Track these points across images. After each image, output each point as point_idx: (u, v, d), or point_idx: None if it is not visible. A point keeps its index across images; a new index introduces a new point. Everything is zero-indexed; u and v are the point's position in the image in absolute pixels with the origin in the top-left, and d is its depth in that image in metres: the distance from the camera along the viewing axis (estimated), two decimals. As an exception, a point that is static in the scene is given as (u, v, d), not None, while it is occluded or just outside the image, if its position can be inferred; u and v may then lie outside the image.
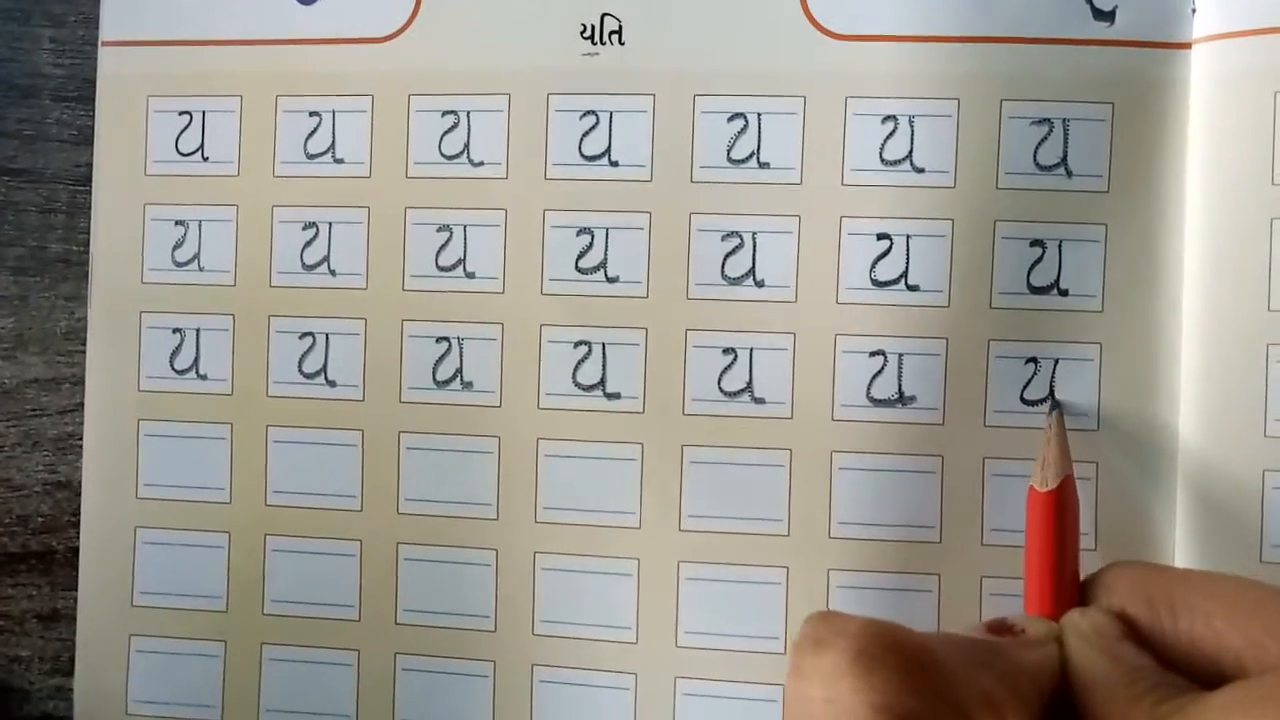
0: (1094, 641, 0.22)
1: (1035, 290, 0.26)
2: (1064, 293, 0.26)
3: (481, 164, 0.28)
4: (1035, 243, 0.26)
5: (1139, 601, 0.22)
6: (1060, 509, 0.25)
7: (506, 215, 0.28)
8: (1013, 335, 0.26)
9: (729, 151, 0.27)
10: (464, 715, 0.28)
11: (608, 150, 0.27)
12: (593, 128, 0.27)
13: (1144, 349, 0.26)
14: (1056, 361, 0.26)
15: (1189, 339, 0.26)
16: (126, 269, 0.29)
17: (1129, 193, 0.26)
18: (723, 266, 0.27)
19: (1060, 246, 0.26)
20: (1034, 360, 0.26)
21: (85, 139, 0.30)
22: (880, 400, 0.27)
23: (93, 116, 0.30)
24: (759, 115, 0.27)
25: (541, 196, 0.28)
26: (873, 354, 0.27)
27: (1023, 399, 0.26)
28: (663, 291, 0.27)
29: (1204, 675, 0.21)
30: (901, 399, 0.26)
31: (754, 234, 0.27)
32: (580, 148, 0.27)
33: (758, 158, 0.27)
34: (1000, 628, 0.22)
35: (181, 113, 0.29)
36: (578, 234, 0.27)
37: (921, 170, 0.26)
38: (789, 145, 0.27)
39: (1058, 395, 0.26)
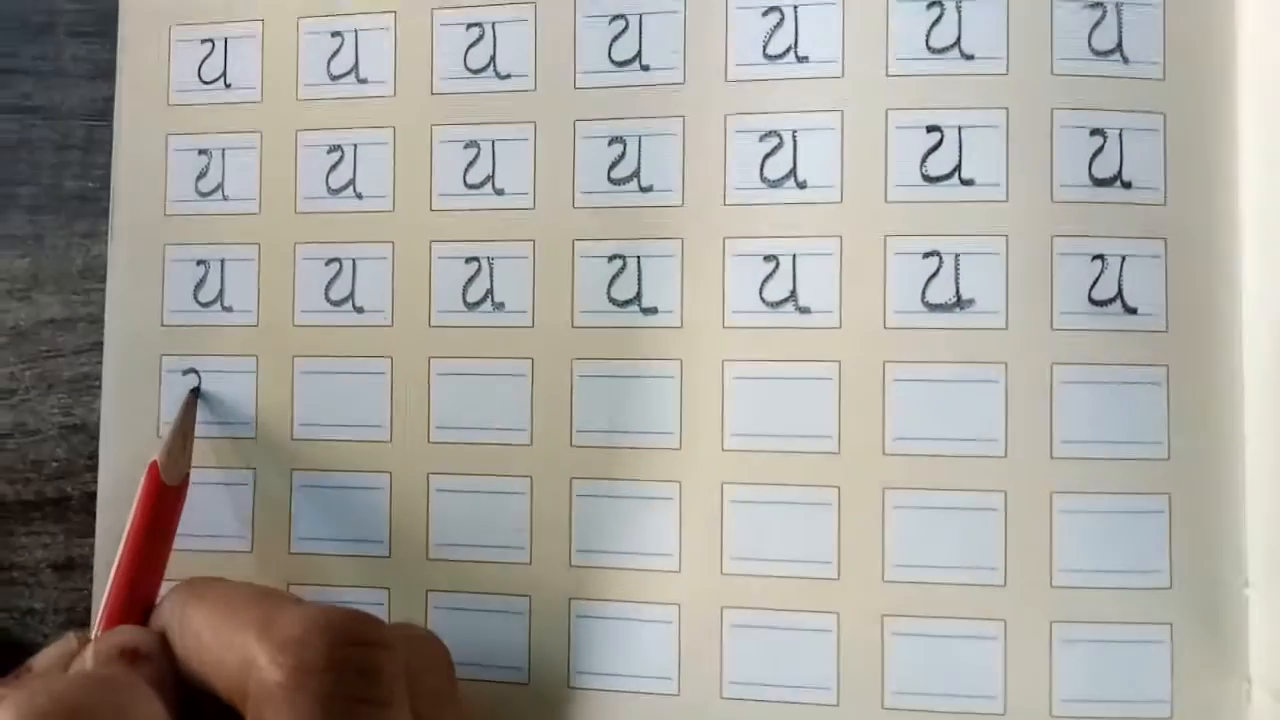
0: (86, 670, 0.24)
1: (1098, 182, 0.27)
2: (1127, 185, 0.27)
3: (509, 76, 0.29)
4: (1095, 132, 0.27)
5: (171, 617, 0.25)
6: (174, 506, 0.28)
7: (535, 128, 0.29)
8: (1077, 231, 0.27)
9: (765, 47, 0.28)
10: (498, 652, 0.28)
11: (638, 54, 0.28)
12: (622, 31, 0.29)
13: (1207, 243, 0.27)
14: (1124, 259, 0.27)
15: (1249, 232, 0.26)
16: (149, 201, 0.31)
17: (1185, 80, 0.27)
18: (762, 168, 0.28)
19: (1121, 136, 0.27)
20: (1100, 257, 0.27)
21: (102, 73, 0.32)
22: (936, 305, 0.27)
23: (110, 50, 0.32)
24: (795, 7, 0.28)
25: (571, 106, 0.29)
26: (927, 255, 0.27)
27: (1091, 299, 0.27)
28: (699, 199, 0.28)
29: (211, 689, 0.23)
30: (959, 303, 0.27)
31: (794, 132, 0.28)
32: (610, 53, 0.29)
33: (795, 52, 0.28)
34: (14, 677, 0.24)
35: (204, 40, 0.31)
36: (609, 143, 0.29)
37: (970, 57, 0.27)
38: (829, 37, 0.28)
39: (1124, 294, 0.27)
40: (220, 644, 0.23)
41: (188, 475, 0.29)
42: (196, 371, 0.30)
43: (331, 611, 0.23)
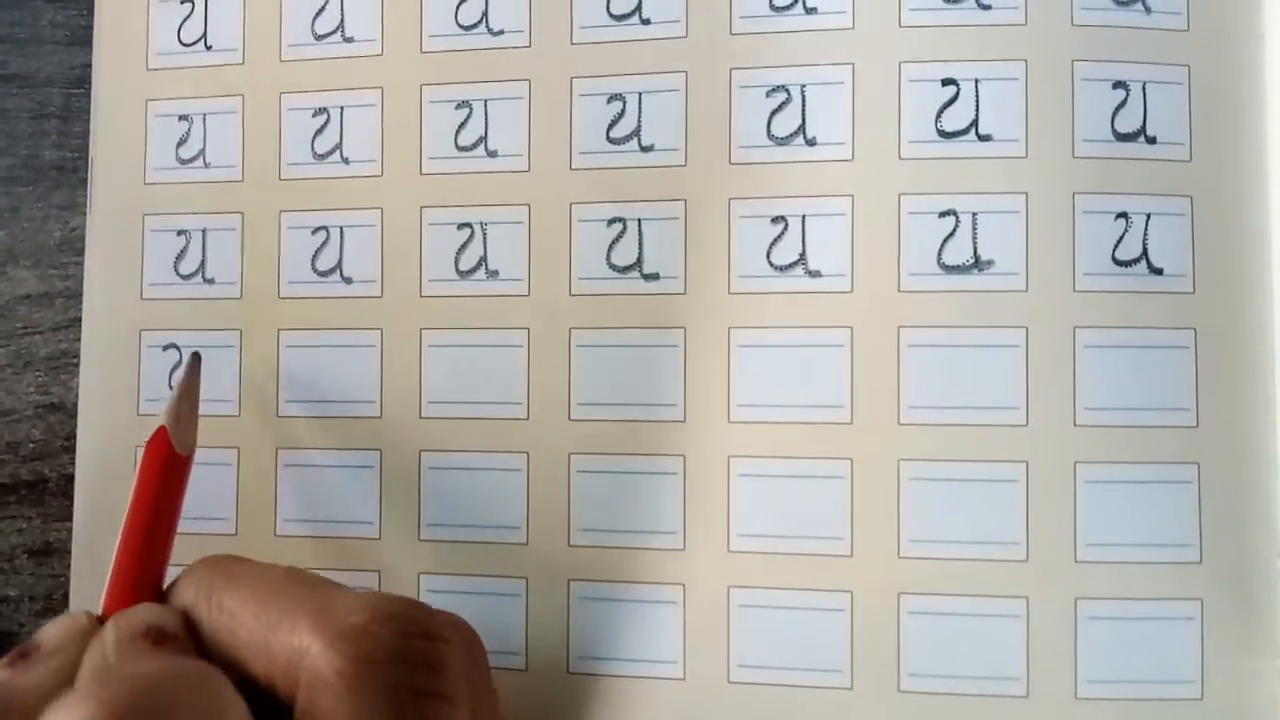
0: (106, 650, 0.22)
1: (1121, 138, 0.26)
2: (1151, 140, 0.26)
3: (502, 33, 0.28)
4: (1118, 85, 0.26)
5: (197, 596, 0.23)
6: (182, 478, 0.26)
7: (530, 86, 0.28)
8: (1099, 188, 0.26)
9: (771, -1, 0.27)
10: (494, 637, 0.27)
11: (638, 7, 0.28)
12: (622, -15, 0.28)
13: (1235, 201, 0.26)
14: (1148, 217, 0.26)
15: (1278, 189, 0.25)
16: (128, 170, 0.30)
17: (1209, 31, 0.26)
18: (769, 125, 0.27)
19: (1144, 89, 0.26)
20: (1124, 215, 0.26)
21: (79, 39, 0.31)
22: (953, 266, 0.26)
23: (87, 16, 0.31)
24: (803, -44, 0.27)
25: (568, 62, 0.28)
26: (943, 214, 0.26)
27: (1114, 259, 0.26)
28: (702, 158, 0.27)
29: (242, 671, 0.22)
30: (977, 264, 0.26)
31: (802, 87, 0.27)
32: (609, 6, 0.28)
33: (803, 3, 0.27)
34: (20, 654, 0.23)
35: (184, 1, 0.30)
36: (608, 101, 0.28)
37: (988, 7, 0.26)
38: (838, -13, 0.27)
39: (1149, 254, 0.26)
40: (263, 626, 0.22)
41: (194, 446, 0.27)
42: (177, 347, 0.30)
43: (393, 600, 0.22)
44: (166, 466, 0.26)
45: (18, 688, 0.22)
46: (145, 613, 0.23)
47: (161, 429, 0.26)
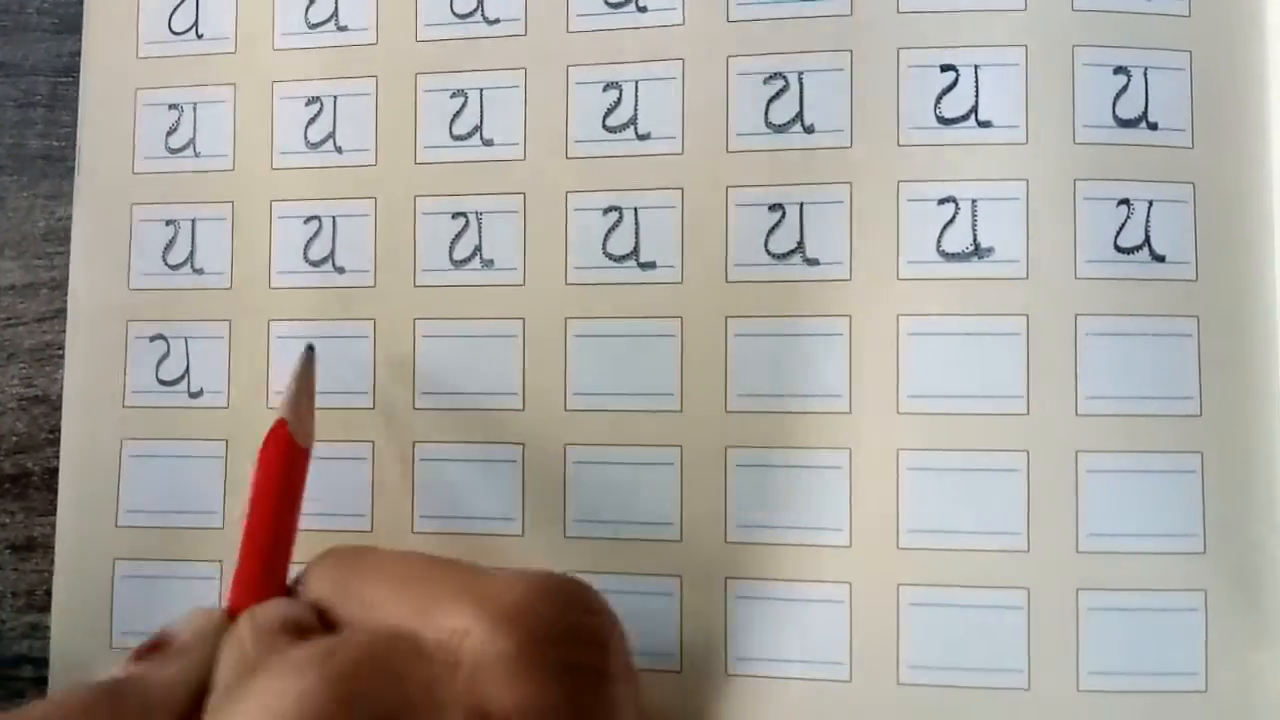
0: (245, 645, 0.22)
1: (1122, 124, 0.26)
2: (1153, 126, 0.26)
3: (498, 21, 0.29)
4: (1119, 70, 0.26)
5: (332, 589, 0.23)
6: (303, 471, 0.25)
7: (526, 75, 0.28)
8: (1101, 174, 0.26)
9: (769, -15, 0.27)
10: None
11: (636, -4, 0.28)
12: (619, -28, 0.28)
13: (1238, 188, 0.26)
14: (1150, 204, 0.26)
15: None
16: (116, 159, 0.30)
17: (1211, 15, 0.27)
18: (766, 113, 0.27)
19: (1145, 74, 0.26)
20: (1126, 202, 0.26)
21: (68, 27, 0.31)
22: (953, 254, 0.26)
23: (76, 4, 0.31)
24: (802, -58, 0.27)
25: (564, 51, 0.28)
26: (942, 201, 0.27)
27: (1116, 246, 0.26)
28: (699, 146, 0.28)
29: None
30: (977, 251, 0.26)
31: (800, 75, 0.27)
32: (605, -6, 0.28)
33: (801, -10, 0.27)
34: (151, 647, 0.23)
35: (174, -11, 0.30)
36: (604, 89, 0.28)
37: (986, -7, 0.27)
38: (836, -26, 0.27)
39: (1152, 241, 0.26)
40: (412, 613, 0.21)
41: (313, 438, 0.26)
42: (165, 338, 0.30)
43: (547, 575, 0.22)
44: (288, 460, 0.25)
45: (158, 682, 0.22)
46: (280, 607, 0.23)
47: (281, 422, 0.25)
